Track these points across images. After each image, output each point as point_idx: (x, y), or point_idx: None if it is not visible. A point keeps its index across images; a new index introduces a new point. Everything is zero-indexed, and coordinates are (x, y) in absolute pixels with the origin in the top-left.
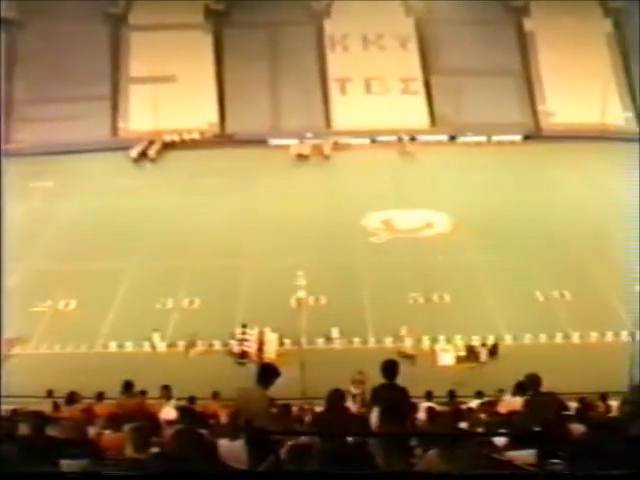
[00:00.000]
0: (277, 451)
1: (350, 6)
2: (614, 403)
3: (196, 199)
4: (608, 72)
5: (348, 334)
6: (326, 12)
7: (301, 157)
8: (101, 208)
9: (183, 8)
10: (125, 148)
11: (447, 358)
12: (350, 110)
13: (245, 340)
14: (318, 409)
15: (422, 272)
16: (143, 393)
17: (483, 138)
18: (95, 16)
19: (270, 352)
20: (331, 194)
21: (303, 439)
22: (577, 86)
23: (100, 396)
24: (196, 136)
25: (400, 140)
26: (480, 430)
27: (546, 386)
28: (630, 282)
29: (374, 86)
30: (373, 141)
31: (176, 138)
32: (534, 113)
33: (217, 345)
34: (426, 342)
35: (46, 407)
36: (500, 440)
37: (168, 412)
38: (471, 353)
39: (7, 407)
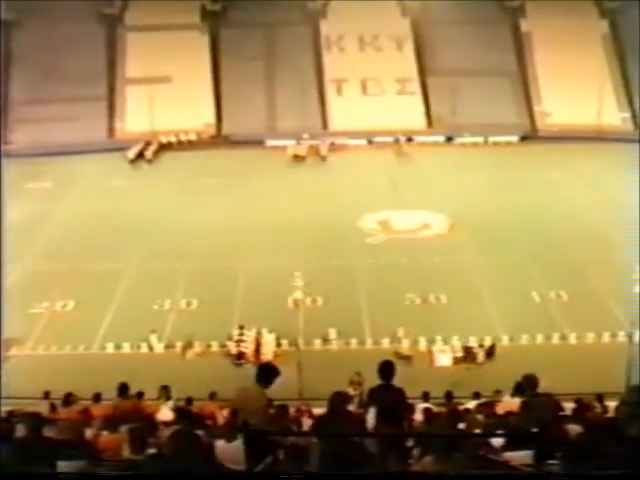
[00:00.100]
0: (274, 452)
1: (346, 7)
2: (611, 404)
3: (193, 200)
4: (604, 73)
5: (345, 335)
6: (322, 13)
7: (298, 158)
8: (98, 209)
9: (179, 8)
10: (122, 149)
11: (444, 359)
12: (346, 111)
13: (242, 341)
14: (315, 410)
15: (419, 273)
16: (140, 395)
17: (480, 139)
18: (91, 16)
19: (267, 353)
20: (328, 195)
21: (300, 440)
22: (573, 87)
23: (97, 397)
24: (193, 137)
25: (397, 141)
26: (477, 431)
27: (543, 387)
28: (627, 283)
29: (370, 87)
30: (370, 142)
31: (173, 139)
32: (530, 114)
33: (214, 346)
34: (423, 343)
35: (43, 408)
36: (497, 441)
37: (165, 413)
38: (468, 354)
39: (4, 408)
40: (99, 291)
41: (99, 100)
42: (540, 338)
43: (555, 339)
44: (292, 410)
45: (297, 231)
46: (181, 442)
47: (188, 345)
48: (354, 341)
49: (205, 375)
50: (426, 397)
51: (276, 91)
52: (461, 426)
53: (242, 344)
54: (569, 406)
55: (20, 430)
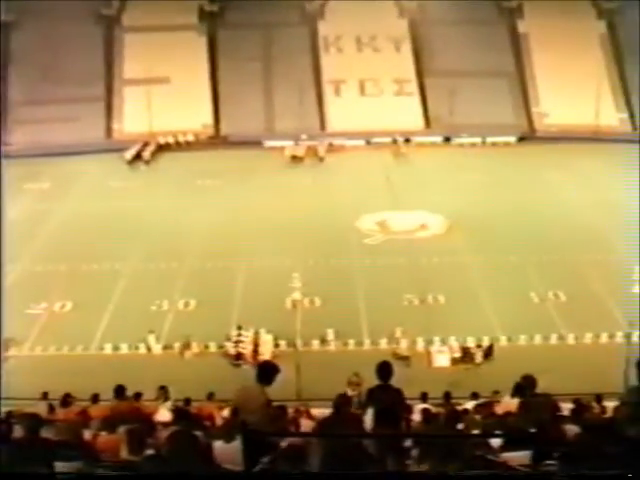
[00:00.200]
0: (273, 452)
1: (344, 7)
2: (609, 404)
3: (191, 201)
4: (602, 73)
5: (343, 336)
6: (320, 13)
7: (295, 159)
8: (96, 210)
9: (177, 9)
10: (119, 150)
11: (442, 359)
12: (344, 111)
13: (240, 342)
14: (314, 411)
15: (417, 273)
16: (138, 395)
17: (477, 139)
18: (89, 17)
19: (265, 353)
20: (326, 196)
21: (298, 440)
22: (571, 87)
23: (95, 398)
24: (190, 138)
25: (394, 141)
26: (476, 431)
27: (541, 387)
28: (625, 283)
29: (368, 87)
30: (368, 142)
31: (170, 140)
32: (528, 114)
33: (212, 347)
34: (421, 343)
35: (41, 409)
36: (495, 441)
37: (163, 414)
38: (466, 354)
39: (2, 409)
40: (97, 292)
41: (97, 101)
42: (538, 338)
43: (553, 339)
44: (290, 411)
45: (295, 232)
46: (179, 443)
47: (186, 346)
48: (352, 342)
49: (203, 376)
50: (424, 398)
51: (274, 92)
52: (459, 427)
53: (240, 345)
54: (567, 406)
55: (18, 431)
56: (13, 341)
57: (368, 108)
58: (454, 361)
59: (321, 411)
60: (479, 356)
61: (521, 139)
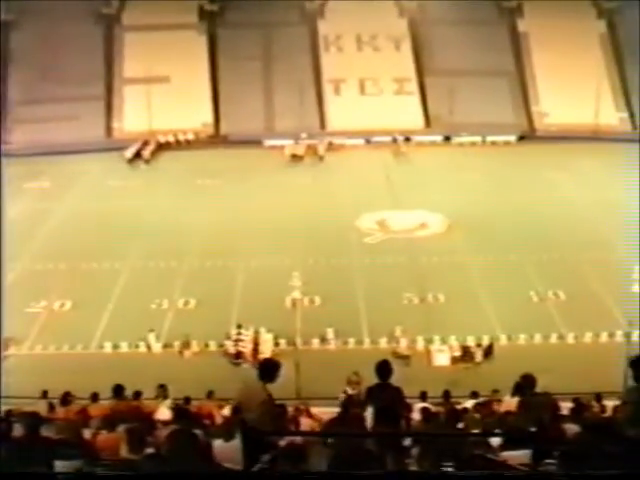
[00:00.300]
0: (272, 451)
1: (344, 7)
2: (609, 403)
3: (191, 200)
4: (602, 73)
5: (343, 334)
6: (320, 13)
7: (295, 158)
8: (95, 209)
9: (177, 8)
10: (119, 149)
11: (442, 358)
12: (344, 111)
13: (240, 340)
14: (313, 410)
15: (417, 272)
16: (138, 394)
17: (477, 138)
18: (89, 17)
19: (265, 352)
20: (325, 195)
21: (298, 439)
22: (571, 87)
23: (95, 397)
24: (190, 137)
25: (394, 141)
26: (475, 430)
27: (541, 386)
28: (625, 282)
29: (368, 87)
30: (367, 142)
31: (170, 139)
32: (528, 113)
33: (212, 345)
34: (421, 342)
35: (41, 408)
36: (495, 440)
37: (163, 412)
38: (466, 353)
39: (2, 408)
40: (97, 290)
41: (97, 100)
42: (538, 338)
43: (553, 339)
44: (290, 410)
45: (295, 231)
46: (179, 442)
47: (186, 345)
48: (352, 341)
49: (203, 374)
50: (424, 396)
51: (274, 91)
52: (460, 426)
53: (240, 343)
54: (567, 405)
55: (18, 430)
56: (13, 340)
57: (368, 107)
58: (454, 360)
59: (321, 410)
60: (479, 355)
61: (521, 138)
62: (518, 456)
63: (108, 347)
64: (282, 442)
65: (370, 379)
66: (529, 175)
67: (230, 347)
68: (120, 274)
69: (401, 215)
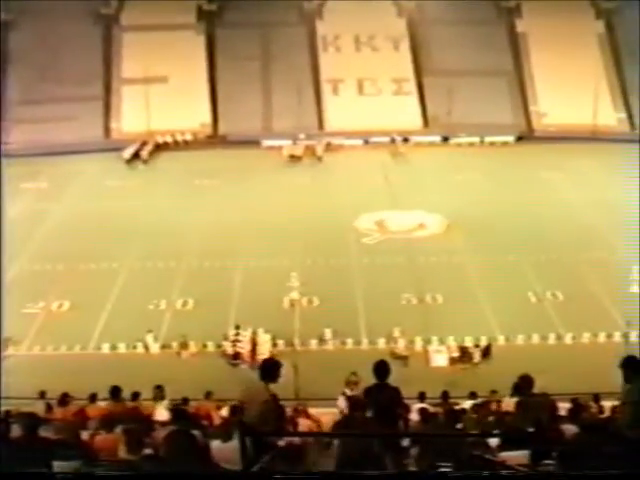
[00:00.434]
0: (271, 452)
1: (342, 7)
2: (607, 404)
3: (189, 200)
4: (600, 73)
5: (341, 335)
6: (318, 13)
7: (294, 158)
8: (94, 209)
9: (175, 8)
10: (118, 149)
11: (440, 359)
12: (343, 111)
13: (238, 341)
14: (311, 410)
15: (415, 273)
16: (136, 395)
17: (476, 139)
18: (87, 17)
19: (263, 353)
20: (324, 195)
21: (297, 440)
22: (569, 87)
23: (93, 398)
24: (189, 137)
25: (393, 141)
26: (473, 431)
27: (539, 387)
28: (623, 283)
29: (366, 87)
30: (366, 142)
31: (169, 139)
32: (526, 114)
33: (210, 346)
34: (419, 343)
35: (39, 408)
36: (493, 441)
37: (161, 413)
38: (464, 354)
39: (1, 409)
40: (95, 291)
41: (95, 100)
42: (536, 338)
43: (551, 339)
44: (288, 410)
45: (293, 231)
46: (177, 442)
47: (184, 345)
48: (350, 341)
49: (201, 375)
50: (422, 397)
51: (272, 91)
52: (458, 426)
53: (238, 344)
54: (565, 406)
55: (16, 430)
56: (11, 340)
57: (366, 107)
58: (452, 361)
59: (319, 411)
60: (477, 356)
61: (519, 139)
62: (516, 456)
63: (106, 348)
64: (281, 442)
65: (368, 379)
66: (527, 175)
67: (228, 348)
68: (118, 275)
69: (399, 215)
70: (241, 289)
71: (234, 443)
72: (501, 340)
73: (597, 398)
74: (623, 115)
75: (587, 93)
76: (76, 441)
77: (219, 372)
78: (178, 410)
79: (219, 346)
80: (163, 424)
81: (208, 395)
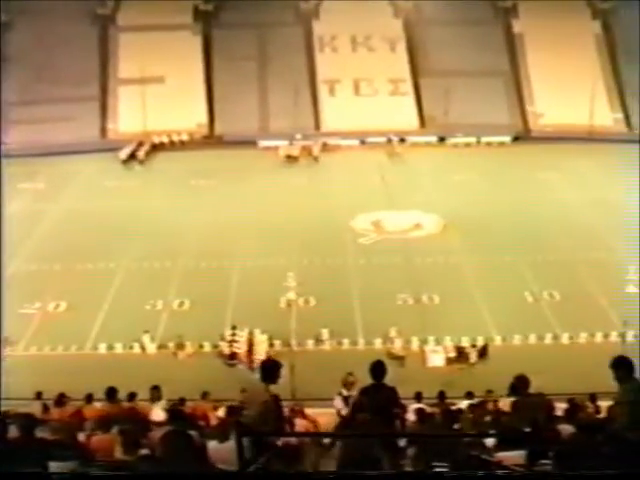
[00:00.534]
0: (267, 452)
1: (339, 7)
2: (603, 404)
3: (185, 200)
4: (597, 73)
5: (338, 335)
6: (315, 13)
7: (290, 158)
8: (90, 209)
9: (171, 9)
10: (114, 149)
11: (437, 359)
12: (339, 111)
13: (235, 341)
14: (308, 410)
15: (411, 273)
16: (133, 395)
17: (472, 139)
18: (84, 17)
19: (260, 353)
20: (320, 195)
21: (293, 440)
22: (566, 87)
23: (89, 398)
24: (185, 137)
25: (389, 141)
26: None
27: (536, 387)
28: (620, 283)
29: (363, 87)
30: (362, 142)
31: (165, 139)
32: (523, 114)
33: (207, 346)
34: (416, 343)
35: (35, 409)
36: (490, 441)
37: (157, 414)
38: (461, 354)
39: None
40: (92, 291)
41: (92, 100)
42: (533, 338)
43: (548, 339)
44: (285, 410)
45: (290, 231)
46: (173, 443)
47: (180, 345)
48: (347, 341)
49: (198, 375)
50: (419, 397)
51: (269, 91)
52: (456, 426)
53: (235, 344)
54: (561, 406)
55: (12, 431)
56: (7, 341)
57: (363, 108)
58: (449, 361)
59: (315, 411)
60: (473, 356)
61: (516, 139)
62: (513, 457)
63: (102, 348)
64: (278, 443)
65: (365, 380)
66: (524, 176)
67: (225, 348)
68: (115, 275)
69: (396, 216)
70: (238, 289)
71: (230, 443)
72: (498, 340)
73: (593, 398)
74: (620, 115)
75: (584, 93)
76: (73, 442)
77: (216, 372)
78: (174, 410)
79: (216, 346)
80: (159, 424)
81: (205, 395)
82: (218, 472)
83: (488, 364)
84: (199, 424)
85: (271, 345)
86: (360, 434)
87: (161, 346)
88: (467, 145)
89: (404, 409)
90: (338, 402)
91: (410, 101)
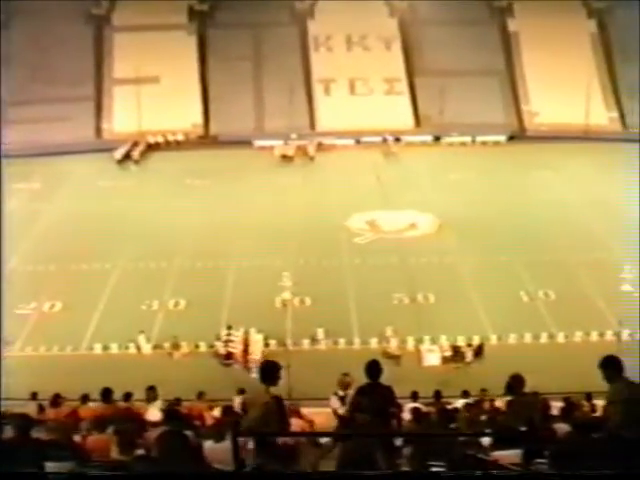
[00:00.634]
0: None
1: (334, 7)
2: (599, 402)
3: (180, 200)
4: (592, 72)
5: (333, 335)
6: (310, 13)
7: (285, 158)
8: (85, 210)
9: (166, 9)
10: (109, 149)
11: (432, 358)
12: (334, 111)
13: (230, 341)
14: (304, 410)
15: (407, 273)
16: (128, 396)
17: (467, 138)
18: (79, 17)
19: (255, 353)
20: (316, 195)
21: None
22: (561, 86)
23: (85, 398)
24: (180, 137)
25: (384, 141)
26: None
27: (532, 386)
28: (615, 282)
29: (358, 87)
30: (357, 142)
31: (160, 139)
32: (518, 113)
33: (202, 346)
34: (411, 343)
35: (31, 409)
36: (486, 440)
37: (153, 414)
38: (457, 353)
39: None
40: (87, 292)
41: (87, 100)
42: (528, 337)
43: (543, 338)
44: None
45: (285, 231)
46: (169, 443)
47: (176, 346)
48: (342, 341)
49: (193, 375)
50: (415, 396)
51: (264, 91)
52: (452, 426)
53: (230, 344)
54: (557, 405)
55: (8, 431)
56: (3, 341)
57: (358, 107)
58: (444, 360)
59: (311, 410)
60: (469, 355)
61: (511, 138)
62: (509, 456)
63: (98, 348)
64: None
65: (361, 379)
66: (519, 175)
67: (220, 348)
68: (110, 275)
69: (391, 215)
70: (233, 289)
71: (226, 443)
72: (493, 339)
73: (589, 397)
74: (615, 114)
75: (579, 92)
76: (68, 442)
77: (211, 372)
78: (170, 410)
79: (211, 346)
80: (155, 424)
81: (200, 395)
82: (214, 472)
83: (484, 363)
84: (195, 424)
85: (267, 345)
86: (359, 435)
87: (157, 346)
88: (462, 144)
89: (400, 408)
90: (334, 401)
91: (405, 100)
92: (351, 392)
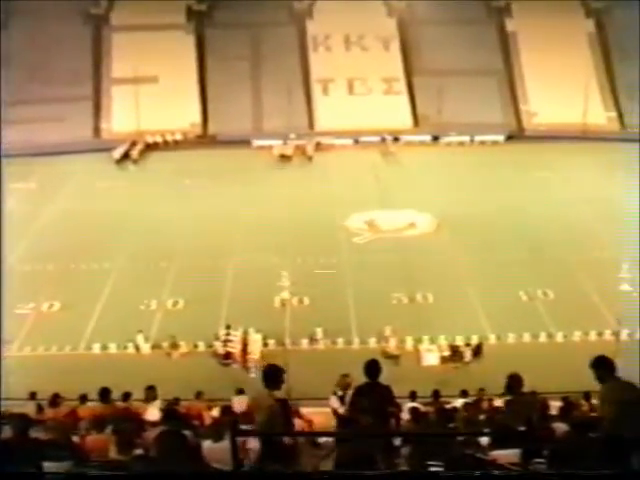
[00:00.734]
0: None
1: (332, 7)
2: (597, 402)
3: (179, 200)
4: (590, 72)
5: (332, 334)
6: (308, 13)
7: (284, 158)
8: (84, 209)
9: (165, 9)
10: (107, 149)
11: (431, 358)
12: (333, 111)
13: (229, 341)
14: (303, 410)
15: (406, 272)
16: (127, 395)
17: (466, 138)
18: (77, 17)
19: (254, 353)
20: (314, 195)
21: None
22: (559, 86)
23: (84, 398)
24: (178, 137)
25: (383, 140)
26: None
27: (530, 385)
28: (614, 281)
29: (357, 87)
30: (356, 141)
31: (158, 139)
32: (517, 113)
33: (201, 346)
34: (410, 342)
35: (30, 409)
36: (484, 439)
37: (152, 413)
38: (455, 353)
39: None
40: (85, 291)
41: (85, 100)
42: (527, 337)
43: (542, 337)
44: None
45: (284, 231)
46: (168, 442)
47: (175, 345)
48: (341, 340)
49: (192, 375)
50: (413, 396)
51: (262, 91)
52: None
53: (229, 344)
54: (556, 405)
55: (7, 431)
56: (2, 341)
57: (356, 107)
58: (443, 360)
59: (310, 410)
60: (468, 354)
61: (509, 138)
62: (507, 455)
63: (97, 348)
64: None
65: (360, 379)
66: (517, 175)
67: (219, 348)
68: (109, 275)
69: (390, 215)
70: (232, 289)
71: (225, 443)
72: (492, 339)
73: (588, 396)
74: (613, 114)
75: (577, 92)
76: (67, 442)
77: (210, 372)
78: (169, 410)
79: (210, 346)
80: (154, 424)
81: (199, 395)
82: (212, 471)
83: (482, 363)
84: (193, 424)
85: (265, 344)
86: (358, 435)
87: (155, 346)
88: (461, 144)
89: (399, 408)
90: (334, 401)
91: (404, 100)
92: (350, 392)
